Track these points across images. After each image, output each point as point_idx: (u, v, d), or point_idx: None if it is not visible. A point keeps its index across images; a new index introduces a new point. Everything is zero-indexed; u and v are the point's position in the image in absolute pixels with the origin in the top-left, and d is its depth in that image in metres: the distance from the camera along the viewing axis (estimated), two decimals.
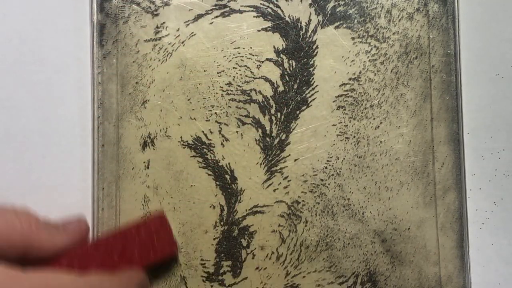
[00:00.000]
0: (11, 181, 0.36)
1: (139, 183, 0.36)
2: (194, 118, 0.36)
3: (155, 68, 0.36)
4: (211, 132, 0.36)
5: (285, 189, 0.36)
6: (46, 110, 0.36)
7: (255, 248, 0.36)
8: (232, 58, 0.36)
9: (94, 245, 0.32)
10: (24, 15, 0.36)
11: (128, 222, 0.35)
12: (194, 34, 0.36)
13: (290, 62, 0.36)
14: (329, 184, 0.36)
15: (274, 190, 0.36)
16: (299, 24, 0.36)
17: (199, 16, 0.36)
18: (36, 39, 0.36)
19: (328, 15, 0.37)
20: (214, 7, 0.36)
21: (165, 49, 0.36)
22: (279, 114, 0.36)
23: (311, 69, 0.36)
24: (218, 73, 0.36)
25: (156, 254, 0.33)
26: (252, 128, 0.36)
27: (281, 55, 0.36)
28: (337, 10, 0.37)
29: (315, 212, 0.36)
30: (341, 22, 0.37)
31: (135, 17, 0.36)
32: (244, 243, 0.36)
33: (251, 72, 0.36)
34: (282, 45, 0.36)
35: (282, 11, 0.36)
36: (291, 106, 0.36)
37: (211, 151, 0.36)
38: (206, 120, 0.36)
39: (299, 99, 0.36)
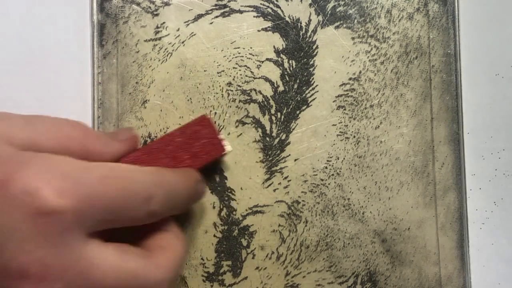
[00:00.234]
0: None
1: None
2: None
3: (155, 68, 0.36)
4: None
5: (285, 189, 0.36)
6: (46, 110, 0.36)
7: (255, 248, 0.36)
8: (232, 58, 0.36)
9: (145, 151, 0.32)
10: (24, 15, 0.36)
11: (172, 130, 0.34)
12: (194, 34, 0.36)
13: (290, 62, 0.36)
14: (329, 184, 0.36)
15: (274, 190, 0.36)
16: (299, 24, 0.36)
17: (199, 16, 0.36)
18: (36, 39, 0.36)
19: (328, 15, 0.37)
20: (214, 7, 0.36)
21: (165, 49, 0.36)
22: (279, 114, 0.36)
23: (311, 69, 0.36)
24: (218, 73, 0.36)
25: (206, 156, 0.32)
26: (252, 128, 0.36)
27: (281, 55, 0.36)
28: (337, 10, 0.37)
29: (315, 212, 0.36)
30: (341, 22, 0.37)
31: (135, 17, 0.36)
32: (244, 243, 0.36)
33: (251, 72, 0.36)
34: (282, 45, 0.36)
35: (282, 11, 0.36)
36: (291, 106, 0.36)
37: None
38: None
39: (299, 99, 0.36)
